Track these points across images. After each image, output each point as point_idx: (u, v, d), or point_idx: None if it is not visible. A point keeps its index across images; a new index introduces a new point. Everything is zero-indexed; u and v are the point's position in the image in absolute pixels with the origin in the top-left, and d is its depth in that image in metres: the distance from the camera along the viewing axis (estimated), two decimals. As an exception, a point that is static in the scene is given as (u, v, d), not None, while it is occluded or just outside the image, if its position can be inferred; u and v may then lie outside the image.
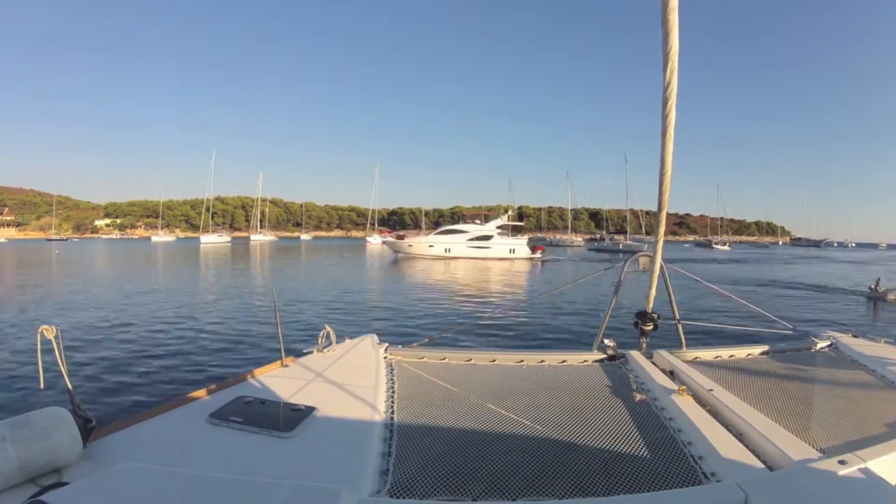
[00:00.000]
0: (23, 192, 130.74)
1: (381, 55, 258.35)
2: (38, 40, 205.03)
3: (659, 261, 3.01)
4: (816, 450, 1.53)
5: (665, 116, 2.46)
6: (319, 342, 2.62)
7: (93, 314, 10.21)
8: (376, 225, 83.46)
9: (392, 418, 1.88)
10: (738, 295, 4.15)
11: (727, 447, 1.54)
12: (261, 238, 78.12)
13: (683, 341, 3.21)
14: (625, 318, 3.54)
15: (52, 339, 1.61)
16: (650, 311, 3.05)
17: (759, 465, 1.43)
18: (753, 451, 1.52)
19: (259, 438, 1.59)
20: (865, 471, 1.21)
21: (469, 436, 1.82)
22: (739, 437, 1.64)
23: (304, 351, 2.57)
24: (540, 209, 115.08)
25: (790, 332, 3.39)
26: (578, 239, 73.18)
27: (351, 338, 2.83)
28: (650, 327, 3.03)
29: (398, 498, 1.36)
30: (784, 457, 1.44)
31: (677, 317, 3.21)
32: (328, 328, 2.64)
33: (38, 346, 1.62)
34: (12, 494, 1.17)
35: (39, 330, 1.63)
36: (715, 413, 1.85)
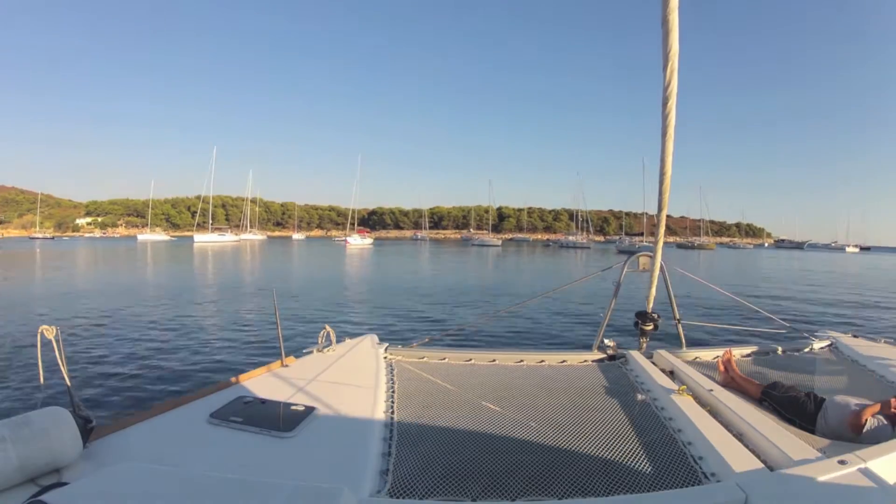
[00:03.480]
0: (4, 189, 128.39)
1: (363, 54, 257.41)
2: (23, 35, 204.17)
3: (659, 261, 3.01)
4: (816, 450, 1.53)
5: (665, 116, 2.46)
6: (319, 342, 2.62)
7: (94, 314, 10.22)
8: (355, 224, 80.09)
9: (392, 418, 1.88)
10: (738, 295, 4.15)
11: (727, 447, 1.54)
12: (251, 237, 76.08)
13: (683, 341, 3.21)
14: (625, 318, 3.54)
15: (52, 339, 1.61)
16: (650, 311, 3.05)
17: (759, 465, 1.43)
18: (753, 451, 1.52)
19: (259, 438, 1.59)
20: (865, 471, 1.21)
21: (469, 436, 1.82)
22: (739, 437, 1.64)
23: (304, 351, 2.56)
24: (521, 210, 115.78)
25: (790, 332, 3.39)
26: (582, 239, 72.04)
27: (351, 338, 2.83)
28: (650, 327, 3.03)
29: (398, 498, 1.36)
30: (784, 457, 1.44)
31: (677, 317, 3.21)
32: (328, 328, 2.64)
33: (38, 346, 1.62)
34: (12, 494, 1.17)
35: (39, 330, 1.63)
36: (715, 413, 1.85)
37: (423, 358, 2.68)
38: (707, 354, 2.85)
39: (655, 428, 1.81)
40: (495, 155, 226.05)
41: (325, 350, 2.58)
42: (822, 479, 1.20)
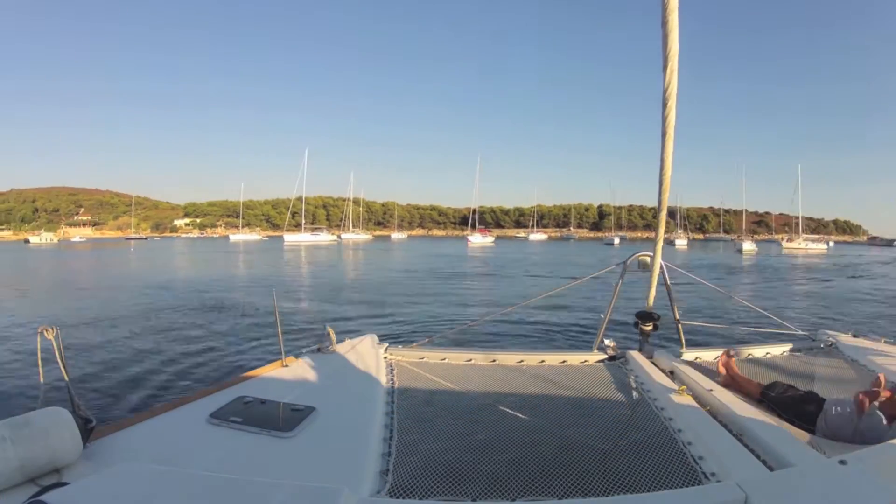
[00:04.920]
0: (99, 192, 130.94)
1: (455, 53, 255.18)
2: (105, 43, 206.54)
3: (659, 261, 3.01)
4: (816, 450, 1.53)
5: (665, 117, 2.46)
6: (320, 342, 2.62)
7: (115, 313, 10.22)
8: (476, 224, 77.93)
9: (392, 418, 1.88)
10: (738, 295, 4.14)
11: (727, 447, 1.54)
12: (353, 237, 73.59)
13: (683, 341, 3.21)
14: (625, 318, 3.53)
15: (52, 340, 1.60)
16: (650, 311, 3.05)
17: (759, 465, 1.43)
18: (753, 451, 1.52)
19: (259, 438, 1.59)
20: (865, 471, 1.21)
21: (469, 436, 1.82)
22: (739, 437, 1.64)
23: (304, 351, 2.56)
24: (620, 207, 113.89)
25: (790, 332, 3.39)
26: (682, 238, 67.07)
27: (351, 338, 2.83)
28: (650, 327, 3.03)
29: (398, 498, 1.36)
30: (784, 457, 1.44)
31: (677, 317, 3.21)
32: (328, 328, 2.64)
33: (38, 346, 1.61)
34: (12, 494, 1.17)
35: (39, 330, 1.62)
36: (715, 413, 1.85)
37: (423, 358, 2.68)
38: (707, 354, 2.85)
39: (655, 428, 1.81)
40: (593, 152, 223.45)
41: (326, 350, 2.58)
42: (822, 479, 1.20)
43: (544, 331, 8.94)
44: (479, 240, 61.28)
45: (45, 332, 1.61)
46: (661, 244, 2.93)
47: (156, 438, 1.59)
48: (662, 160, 2.59)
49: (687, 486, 1.37)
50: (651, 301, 3.09)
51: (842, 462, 1.24)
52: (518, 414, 2.00)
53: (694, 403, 1.92)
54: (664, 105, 2.43)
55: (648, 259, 3.11)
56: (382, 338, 2.88)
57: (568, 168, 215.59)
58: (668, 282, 3.18)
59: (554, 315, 10.31)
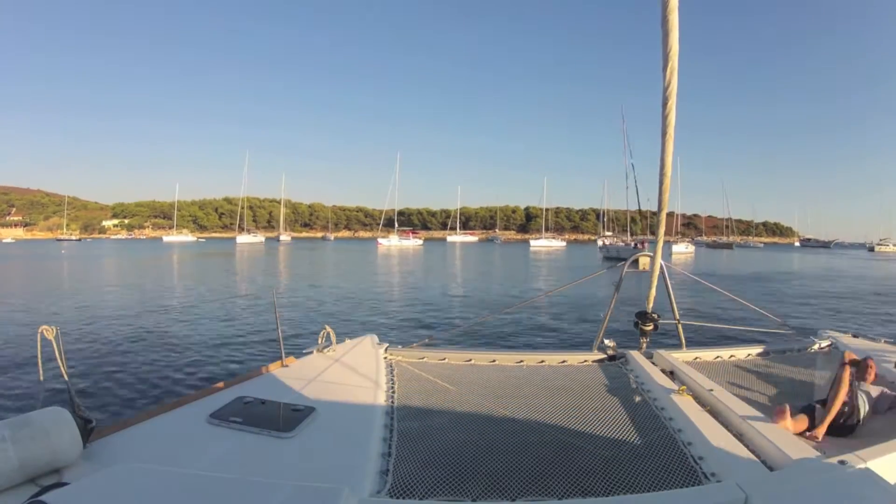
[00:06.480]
0: (30, 192, 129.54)
1: (376, 51, 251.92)
2: (45, 35, 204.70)
3: (659, 261, 3.01)
4: (816, 450, 1.53)
5: (665, 117, 2.46)
6: (319, 342, 2.61)
7: (95, 314, 10.22)
8: (396, 224, 69.22)
9: (392, 418, 1.88)
10: (738, 295, 4.14)
11: (727, 447, 1.54)
12: (283, 239, 70.96)
13: (683, 341, 3.21)
14: (625, 318, 3.53)
15: (52, 340, 1.60)
16: (650, 311, 3.05)
17: (759, 465, 1.43)
18: (753, 451, 1.52)
19: (259, 438, 1.59)
20: (865, 471, 1.21)
21: (469, 436, 1.82)
22: (739, 437, 1.64)
23: (304, 351, 2.56)
24: (547, 209, 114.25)
25: (790, 332, 3.39)
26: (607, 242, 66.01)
27: (351, 338, 2.82)
28: (650, 327, 3.03)
29: (398, 498, 1.36)
30: (784, 457, 1.44)
31: (677, 317, 3.21)
32: (328, 328, 2.63)
33: (39, 347, 1.61)
34: (12, 494, 1.17)
35: (39, 330, 1.62)
36: (715, 413, 1.84)
37: (423, 358, 2.68)
38: (707, 354, 2.85)
39: (655, 428, 1.80)
40: (519, 156, 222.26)
41: (326, 350, 2.58)
42: (822, 479, 1.20)
43: (544, 331, 8.94)
44: (396, 242, 54.11)
45: (45, 332, 1.61)
46: (661, 245, 2.93)
47: (156, 438, 1.59)
48: (662, 160, 2.59)
49: (687, 487, 1.37)
50: (651, 301, 3.09)
51: (842, 462, 1.24)
52: (518, 414, 2.00)
53: (694, 403, 1.91)
54: (664, 104, 2.43)
55: (648, 259, 3.11)
56: (383, 338, 2.88)
57: (494, 171, 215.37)
58: (668, 282, 3.18)
59: (553, 315, 10.31)
